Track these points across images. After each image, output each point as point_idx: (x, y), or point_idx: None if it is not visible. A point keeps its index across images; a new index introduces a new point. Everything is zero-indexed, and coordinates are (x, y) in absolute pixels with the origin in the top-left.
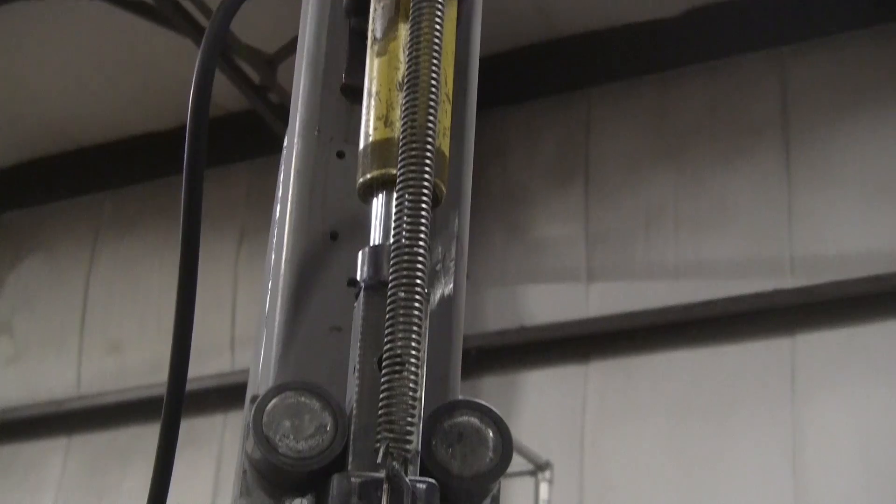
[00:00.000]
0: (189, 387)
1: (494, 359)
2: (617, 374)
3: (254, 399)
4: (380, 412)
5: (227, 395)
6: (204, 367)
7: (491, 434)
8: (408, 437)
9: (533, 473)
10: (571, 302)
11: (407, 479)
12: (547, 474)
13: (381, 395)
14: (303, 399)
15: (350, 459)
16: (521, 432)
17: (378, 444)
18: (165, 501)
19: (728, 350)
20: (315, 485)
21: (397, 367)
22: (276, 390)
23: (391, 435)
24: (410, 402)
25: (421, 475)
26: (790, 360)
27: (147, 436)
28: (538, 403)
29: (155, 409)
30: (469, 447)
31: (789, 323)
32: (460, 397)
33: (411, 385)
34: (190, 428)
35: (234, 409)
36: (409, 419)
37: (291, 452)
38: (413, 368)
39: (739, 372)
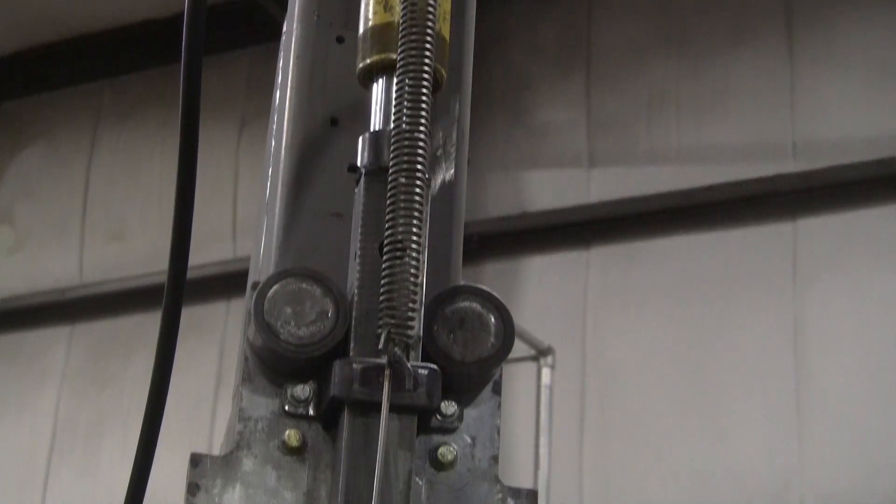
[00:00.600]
0: (191, 274)
1: (496, 245)
2: (618, 259)
3: (255, 286)
4: (381, 298)
5: (229, 282)
6: (206, 254)
7: (493, 319)
8: (409, 323)
9: (535, 359)
10: (573, 187)
11: (409, 365)
12: (549, 359)
13: (383, 281)
14: (304, 285)
15: (351, 345)
16: (523, 318)
17: (380, 330)
18: (167, 389)
19: (730, 235)
20: (317, 371)
21: (398, 253)
22: (277, 277)
23: (393, 321)
24: (412, 287)
25: (423, 361)
26: (792, 245)
27: (150, 324)
28: (540, 289)
29: (157, 297)
30: (471, 332)
31: (791, 207)
32: (462, 283)
33: (412, 271)
34: (193, 316)
35: (236, 297)
36: (411, 305)
37: (293, 339)
38: (414, 254)
39: (741, 257)
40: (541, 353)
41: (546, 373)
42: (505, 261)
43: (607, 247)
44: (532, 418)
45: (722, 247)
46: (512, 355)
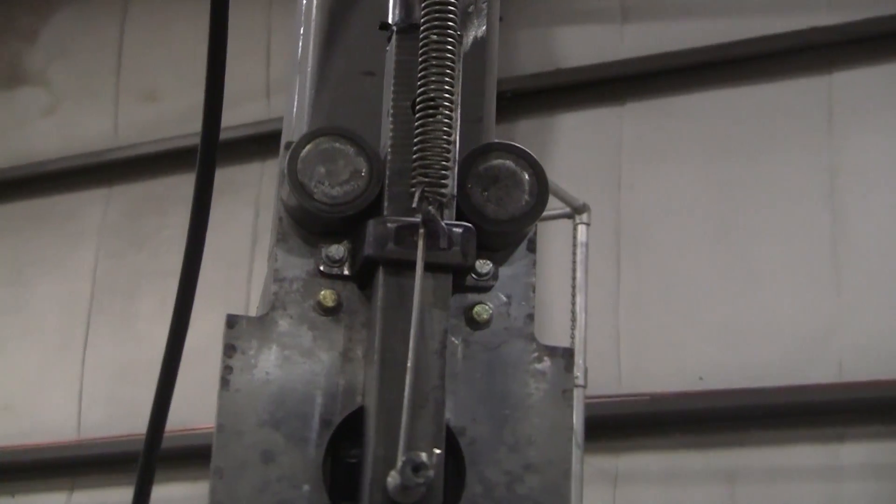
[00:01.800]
0: (224, 135)
1: (529, 102)
2: (652, 115)
3: (288, 146)
4: (414, 156)
5: (263, 142)
6: (240, 114)
7: (526, 176)
8: (443, 181)
9: (570, 216)
10: (606, 43)
11: (443, 223)
12: (584, 216)
13: (416, 140)
14: (337, 144)
15: (385, 204)
16: (558, 175)
17: (413, 189)
18: (202, 249)
19: (765, 89)
20: (351, 230)
21: (431, 111)
22: (310, 136)
23: (426, 179)
24: (445, 145)
25: (457, 219)
26: (827, 98)
27: (184, 185)
28: (574, 146)
29: (192, 158)
30: (504, 190)
31: (826, 60)
32: (495, 140)
33: (445, 128)
34: (227, 176)
35: (271, 157)
36: (444, 163)
37: (326, 198)
38: (447, 112)
39: (776, 110)
40: (576, 210)
41: (581, 230)
42: (538, 118)
43: (641, 102)
44: (567, 277)
45: (756, 101)
46: (546, 213)
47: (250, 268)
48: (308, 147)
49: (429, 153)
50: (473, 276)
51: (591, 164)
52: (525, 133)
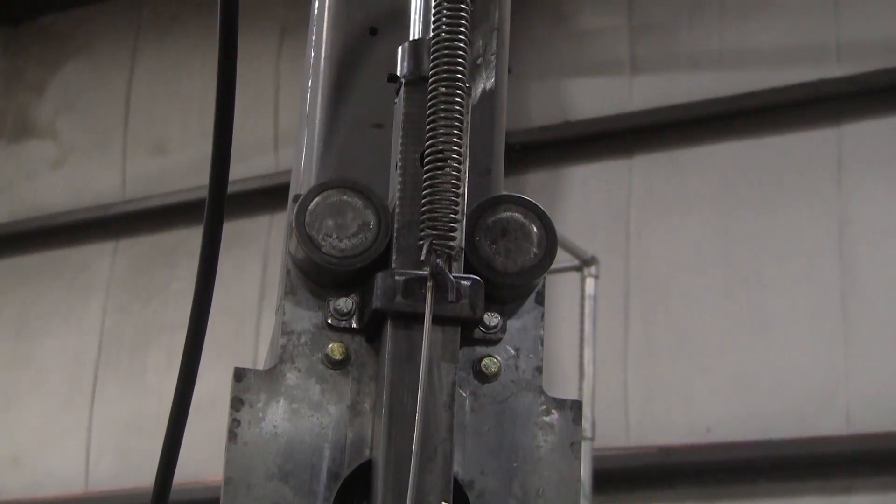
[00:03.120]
0: (233, 188)
1: (538, 154)
2: (662, 167)
3: (296, 198)
4: (423, 209)
5: (272, 195)
6: (248, 167)
7: (535, 229)
8: (451, 234)
9: (579, 269)
10: (616, 95)
11: (451, 276)
12: (593, 269)
13: (424, 192)
14: (345, 197)
15: (393, 257)
16: (567, 227)
17: (421, 241)
18: (210, 302)
19: (774, 141)
20: (359, 283)
21: (439, 163)
22: (319, 189)
23: (434, 231)
24: (453, 197)
25: (465, 271)
26: (836, 150)
27: (193, 238)
28: (583, 198)
29: (200, 211)
30: (513, 242)
31: (836, 112)
32: (504, 192)
33: (454, 181)
34: (236, 229)
35: (279, 210)
36: (453, 215)
37: (335, 251)
38: (455, 164)
39: (785, 163)
40: (584, 262)
41: (590, 282)
42: (547, 170)
43: (650, 154)
44: (576, 329)
45: (766, 153)
46: (555, 265)
47: (258, 320)
48: (316, 200)
49: (437, 206)
50: (482, 328)
51: (600, 216)
52: (534, 185)
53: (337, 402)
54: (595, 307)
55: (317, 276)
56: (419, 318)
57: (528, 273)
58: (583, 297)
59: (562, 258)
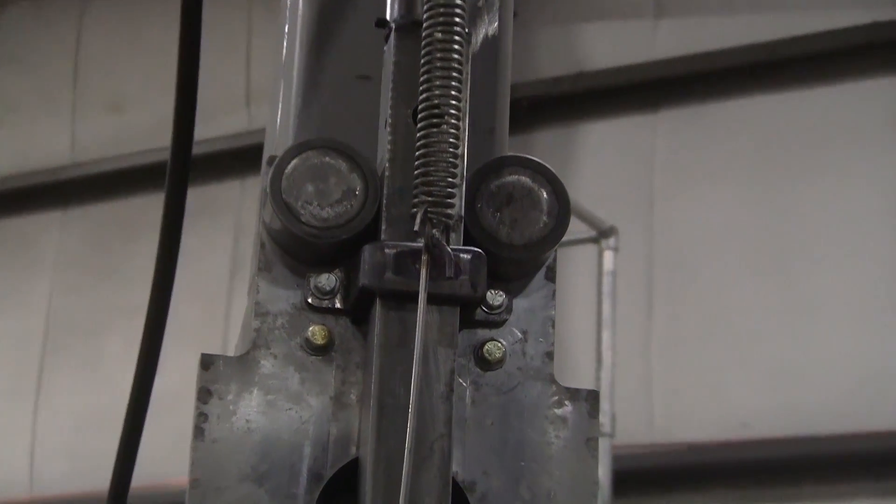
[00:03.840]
0: (199, 149)
1: (549, 109)
2: (690, 124)
3: (271, 161)
4: (416, 172)
5: (243, 157)
6: (216, 126)
7: (545, 195)
8: (449, 201)
9: (595, 240)
10: (638, 41)
11: (449, 249)
12: (611, 241)
13: (418, 153)
14: (327, 159)
15: (383, 227)
16: (581, 193)
17: (415, 210)
18: (173, 280)
19: (819, 93)
20: (343, 257)
21: (435, 120)
22: (297, 150)
23: (430, 198)
24: (451, 159)
25: (465, 243)
26: (893, 105)
27: (153, 207)
28: (600, 160)
29: (161, 176)
30: (520, 210)
31: (892, 60)
32: (509, 153)
33: (451, 140)
34: (203, 196)
35: (252, 174)
36: (450, 179)
37: (316, 221)
38: (453, 121)
39: (830, 118)
40: (602, 233)
41: (608, 256)
42: (559, 128)
43: (677, 109)
44: (593, 310)
45: (808, 107)
46: (568, 237)
47: (228, 301)
48: (294, 162)
49: (432, 169)
50: (484, 308)
51: (620, 180)
52: (544, 144)
53: (319, 393)
54: (614, 285)
55: (295, 249)
56: (413, 298)
57: (537, 245)
58: (600, 274)
59: (575, 228)
